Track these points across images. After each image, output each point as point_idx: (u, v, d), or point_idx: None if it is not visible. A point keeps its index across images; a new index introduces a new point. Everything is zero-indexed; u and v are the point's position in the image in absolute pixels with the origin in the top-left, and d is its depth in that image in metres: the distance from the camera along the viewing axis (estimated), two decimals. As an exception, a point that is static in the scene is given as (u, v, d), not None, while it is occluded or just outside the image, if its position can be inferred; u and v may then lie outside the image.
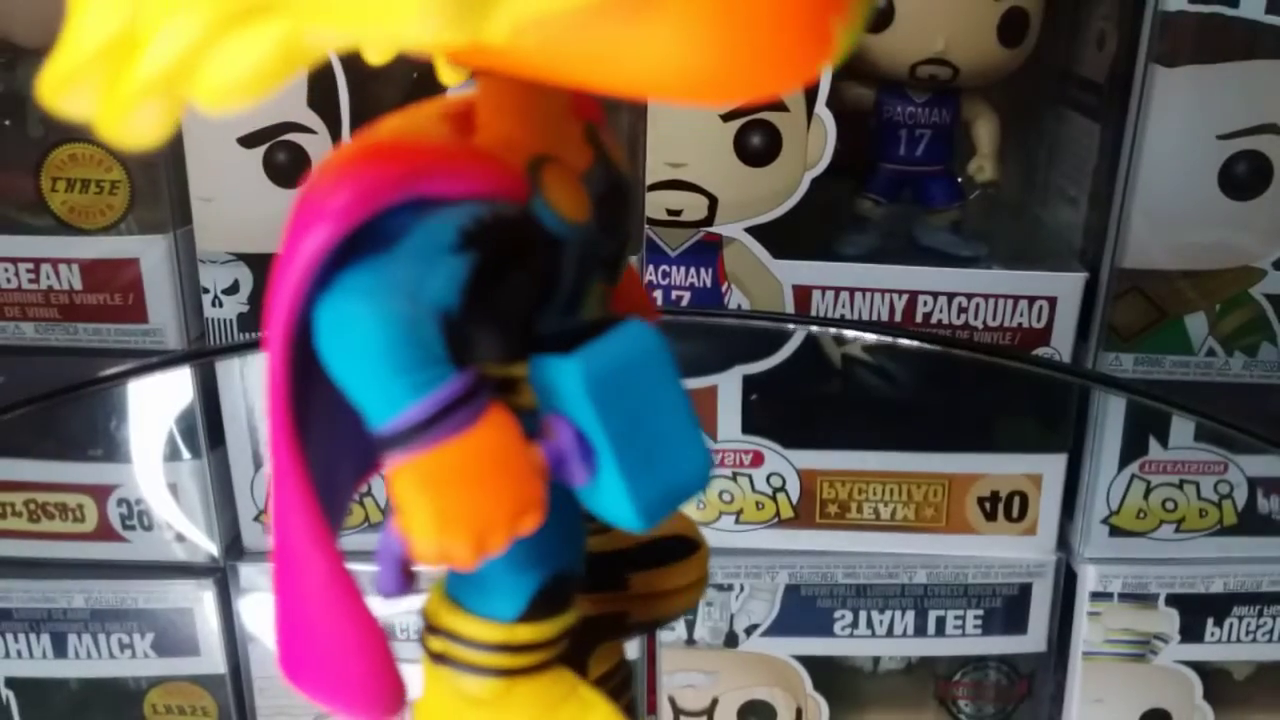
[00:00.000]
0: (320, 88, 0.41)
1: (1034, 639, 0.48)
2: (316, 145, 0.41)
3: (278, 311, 0.16)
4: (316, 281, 0.16)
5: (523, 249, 0.17)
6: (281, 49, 0.12)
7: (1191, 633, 0.47)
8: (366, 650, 0.18)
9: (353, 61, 0.40)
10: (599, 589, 0.23)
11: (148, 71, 0.12)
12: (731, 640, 0.47)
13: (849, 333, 0.44)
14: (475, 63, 0.14)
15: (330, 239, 0.16)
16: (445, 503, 0.16)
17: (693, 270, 0.43)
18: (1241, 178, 0.41)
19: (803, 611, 0.47)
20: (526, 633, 0.19)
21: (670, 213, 0.42)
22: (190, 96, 0.12)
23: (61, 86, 0.12)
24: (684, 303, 0.43)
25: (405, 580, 0.17)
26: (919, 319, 0.43)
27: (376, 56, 0.12)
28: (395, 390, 0.16)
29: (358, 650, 0.18)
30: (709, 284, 0.43)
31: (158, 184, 0.43)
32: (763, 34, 0.13)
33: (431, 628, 0.20)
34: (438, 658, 0.20)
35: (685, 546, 0.25)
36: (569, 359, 0.17)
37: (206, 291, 0.43)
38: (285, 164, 0.41)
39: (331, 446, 0.18)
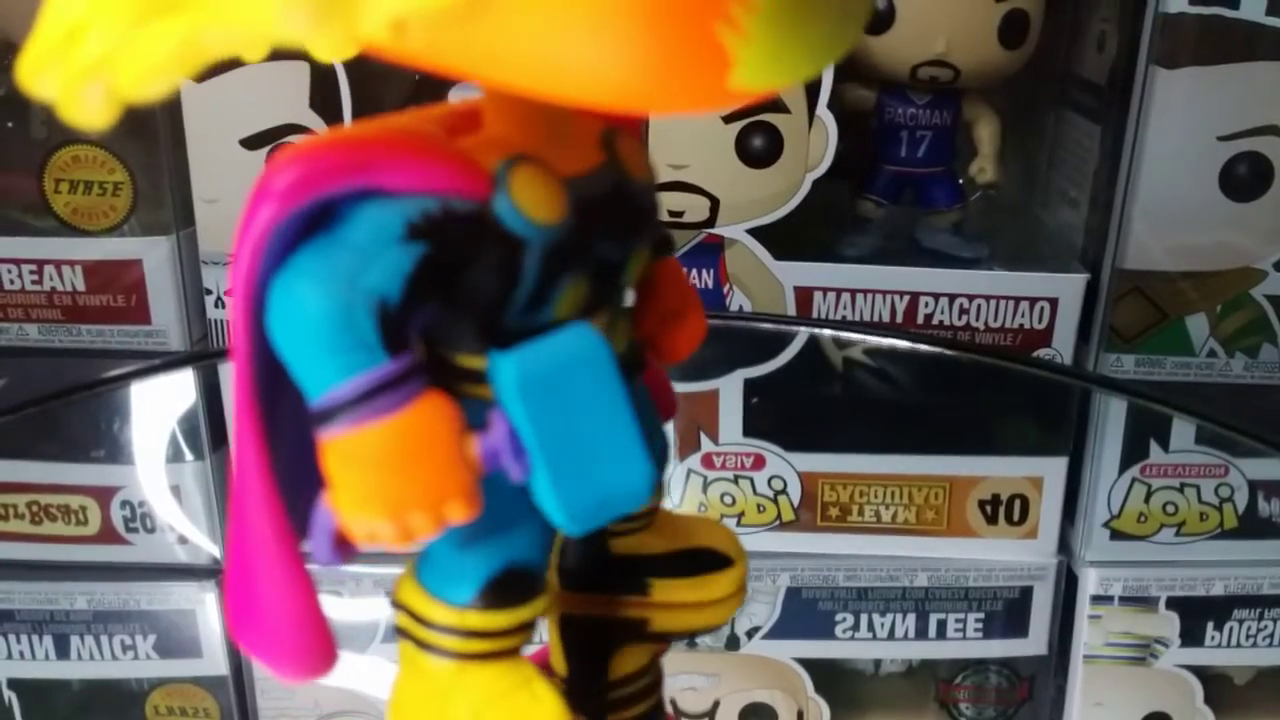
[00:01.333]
0: (322, 89, 0.41)
1: (1035, 642, 0.48)
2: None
3: (236, 289, 0.17)
4: (269, 261, 0.16)
5: (476, 245, 0.17)
6: (183, 44, 0.13)
7: (1192, 636, 0.47)
8: (300, 615, 0.18)
9: (355, 63, 0.40)
10: (619, 591, 0.23)
11: (84, 59, 0.13)
12: (733, 643, 0.47)
13: (848, 335, 0.44)
14: (397, 59, 0.14)
15: (272, 219, 0.16)
16: (363, 481, 0.17)
17: (694, 272, 0.43)
18: (1242, 179, 0.41)
19: (804, 614, 0.47)
20: (477, 620, 0.19)
21: (672, 214, 0.42)
22: (115, 82, 0.13)
23: (32, 70, 0.13)
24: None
25: (338, 550, 0.18)
26: (920, 320, 0.43)
27: (256, 55, 0.13)
28: (325, 369, 0.17)
29: (292, 614, 0.18)
30: (710, 285, 0.43)
31: (160, 185, 0.43)
32: (631, 33, 0.13)
33: (395, 602, 0.20)
34: (400, 632, 0.20)
35: (716, 560, 0.24)
36: (506, 356, 0.18)
37: (209, 293, 0.44)
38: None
39: None
